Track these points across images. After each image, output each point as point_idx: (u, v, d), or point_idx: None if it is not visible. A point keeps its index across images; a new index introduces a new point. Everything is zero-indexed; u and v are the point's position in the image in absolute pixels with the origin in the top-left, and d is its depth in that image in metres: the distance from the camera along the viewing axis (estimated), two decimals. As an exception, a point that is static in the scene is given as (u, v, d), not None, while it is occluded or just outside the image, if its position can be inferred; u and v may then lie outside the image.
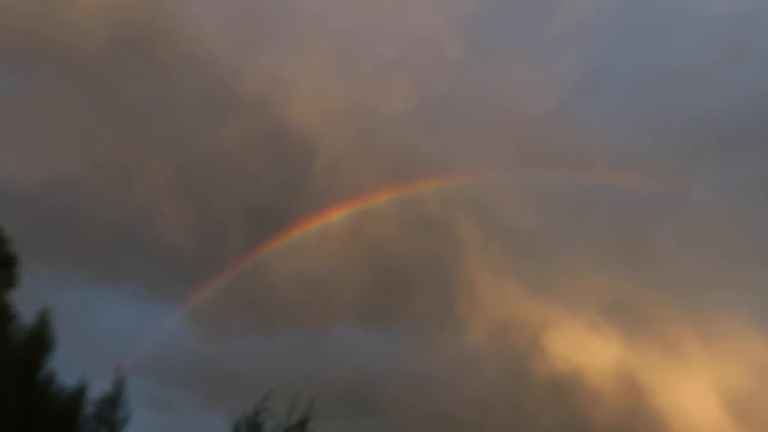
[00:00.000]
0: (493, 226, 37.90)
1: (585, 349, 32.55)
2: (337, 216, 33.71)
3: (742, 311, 32.89)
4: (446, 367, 33.07)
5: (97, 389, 16.23)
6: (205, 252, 33.58)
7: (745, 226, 36.39)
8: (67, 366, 16.50)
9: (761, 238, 35.63)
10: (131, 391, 16.74)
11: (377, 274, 35.86)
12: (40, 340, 15.15)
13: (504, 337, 33.85)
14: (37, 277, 19.28)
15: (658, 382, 30.99)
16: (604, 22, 42.08)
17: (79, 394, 15.86)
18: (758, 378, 31.17)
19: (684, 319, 33.47)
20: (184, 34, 35.02)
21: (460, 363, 33.21)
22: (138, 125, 35.03)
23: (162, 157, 34.54)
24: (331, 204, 33.94)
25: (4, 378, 14.63)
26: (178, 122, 34.91)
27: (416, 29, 39.58)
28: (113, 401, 16.18)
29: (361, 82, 38.28)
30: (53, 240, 30.24)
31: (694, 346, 32.48)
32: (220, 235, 34.17)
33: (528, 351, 32.70)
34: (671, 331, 33.21)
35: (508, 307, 34.65)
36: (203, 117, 35.72)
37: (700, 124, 38.56)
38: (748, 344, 32.01)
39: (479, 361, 33.35)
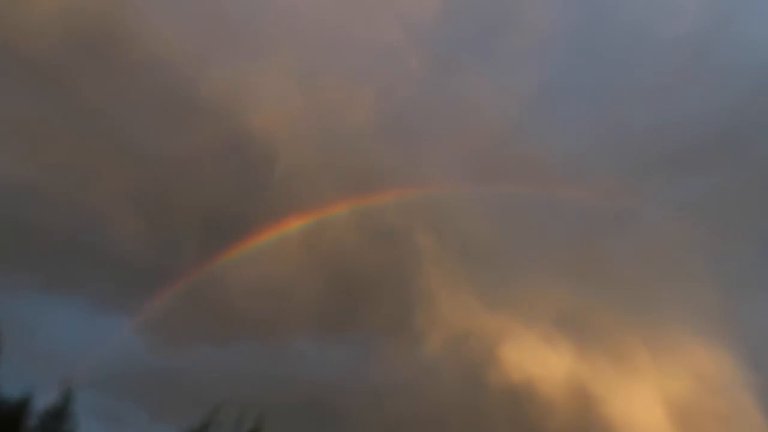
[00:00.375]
0: (451, 238, 38.51)
1: (539, 360, 33.35)
2: (296, 225, 33.72)
3: (688, 325, 34.33)
4: (404, 378, 33.34)
5: (43, 401, 15.82)
6: (160, 261, 33.02)
7: (693, 242, 38.04)
8: (13, 377, 16.06)
9: (707, 254, 37.30)
10: (79, 403, 16.38)
11: (336, 285, 35.94)
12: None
13: (461, 348, 34.37)
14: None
15: (607, 392, 32.03)
16: (562, 39, 43.53)
17: (22, 405, 15.43)
18: (702, 389, 32.57)
19: (633, 331, 34.70)
20: (144, 38, 34.56)
21: (417, 374, 33.53)
22: (93, 130, 34.29)
23: (117, 163, 33.89)
24: (291, 213, 33.93)
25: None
26: (135, 127, 34.33)
27: (379, 41, 40.06)
28: (59, 413, 15.80)
29: (323, 91, 38.46)
30: (1, 246, 29.27)
31: (643, 358, 33.73)
32: (177, 244, 33.69)
33: (484, 362, 33.29)
34: (621, 343, 34.36)
35: (465, 319, 35.22)
36: (162, 123, 35.23)
37: (652, 143, 40.22)
38: (693, 357, 33.41)
39: (436, 372, 33.75)
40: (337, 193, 37.09)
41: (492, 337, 34.08)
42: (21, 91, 34.96)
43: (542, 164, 39.85)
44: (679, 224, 38.85)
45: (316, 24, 38.91)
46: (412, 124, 40.61)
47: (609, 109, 42.80)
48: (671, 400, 32.33)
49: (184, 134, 34.98)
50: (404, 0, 40.21)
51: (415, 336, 34.25)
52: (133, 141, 34.25)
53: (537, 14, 42.53)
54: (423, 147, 40.81)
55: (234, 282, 31.74)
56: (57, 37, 33.77)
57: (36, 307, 32.03)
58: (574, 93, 43.78)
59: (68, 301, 34.31)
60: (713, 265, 37.35)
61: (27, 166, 32.67)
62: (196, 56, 36.36)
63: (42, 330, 31.29)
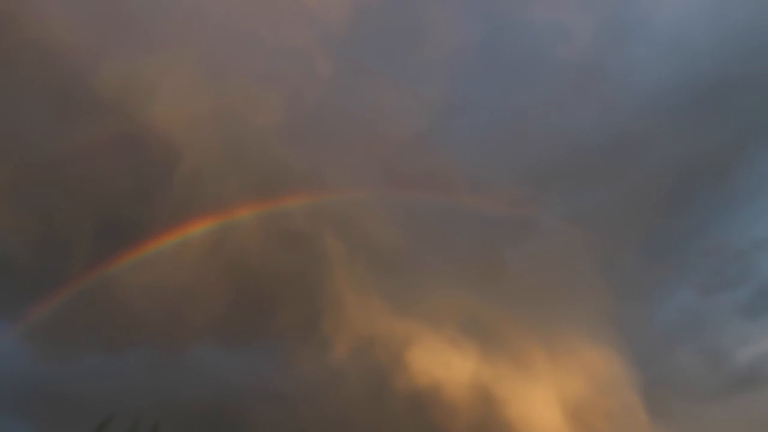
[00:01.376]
0: (358, 243, 38.71)
1: (445, 364, 34.17)
2: (198, 228, 32.47)
3: (581, 329, 36.71)
4: (309, 385, 32.95)
5: None
6: (46, 263, 30.37)
7: (585, 250, 40.82)
8: None
9: (598, 261, 40.17)
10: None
11: (241, 290, 34.91)
12: None
13: (368, 353, 34.51)
14: None
15: (508, 394, 33.43)
16: (469, 54, 45.43)
17: None
18: (594, 388, 34.88)
19: (532, 334, 36.54)
20: (31, 22, 31.92)
21: (323, 380, 33.25)
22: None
23: (-3, 155, 30.90)
24: (193, 215, 32.58)
25: None
26: (19, 115, 31.49)
27: (288, 43, 39.66)
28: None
29: (229, 90, 37.43)
30: None
31: (541, 360, 35.57)
32: (65, 244, 31.13)
33: (391, 367, 33.63)
34: (521, 346, 36.05)
35: (372, 324, 35.43)
36: (49, 112, 32.59)
37: (549, 155, 42.88)
38: (586, 358, 35.73)
39: (343, 378, 33.65)
40: (243, 195, 36.13)
41: (399, 341, 34.56)
42: None
43: (448, 172, 41.21)
44: (573, 233, 41.58)
45: (225, 25, 37.90)
46: (320, 128, 40.51)
47: (510, 121, 45.14)
48: (567, 400, 34.32)
49: (75, 126, 32.60)
50: (315, 6, 40.16)
51: (323, 341, 34.01)
52: (15, 130, 31.41)
53: (445, 28, 44.12)
54: (331, 152, 40.79)
55: (130, 287, 29.88)
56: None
57: None
58: (478, 105, 45.79)
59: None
60: (603, 272, 40.27)
61: None
62: (89, 46, 34.12)
63: None
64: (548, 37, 46.06)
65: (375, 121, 41.63)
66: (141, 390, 27.64)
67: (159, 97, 34.68)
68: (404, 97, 42.23)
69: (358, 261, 38.43)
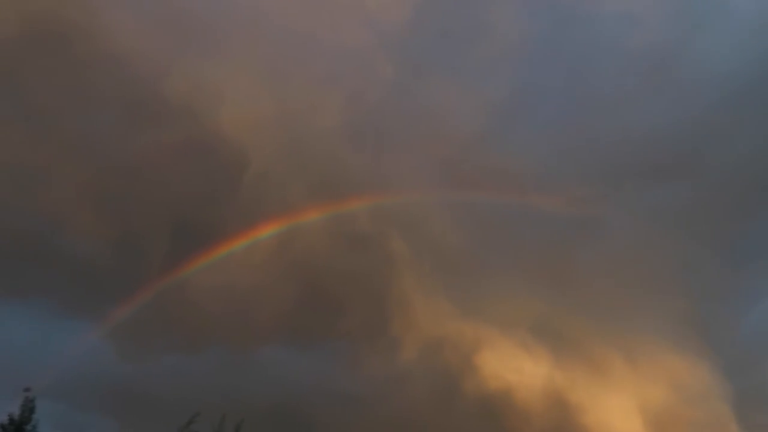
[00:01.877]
0: (424, 245, 38.34)
1: (516, 368, 33.34)
2: (266, 232, 32.94)
3: (662, 334, 34.97)
4: (377, 387, 32.84)
5: (2, 412, 14.70)
6: (125, 265, 31.63)
7: (662, 251, 38.95)
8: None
9: (676, 262, 38.23)
10: (40, 415, 15.27)
11: (308, 292, 35.22)
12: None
13: (436, 355, 34.10)
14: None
15: (585, 400, 32.19)
16: (532, 47, 44.23)
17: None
18: (679, 398, 33.14)
19: (608, 339, 35.12)
20: (105, 32, 33.31)
21: (391, 382, 33.09)
22: (50, 127, 32.74)
23: (77, 162, 32.40)
24: (261, 219, 33.12)
25: None
26: (96, 124, 32.96)
27: (348, 46, 39.83)
28: (19, 426, 14.67)
29: (292, 93, 37.91)
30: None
31: (619, 366, 34.10)
32: (142, 248, 32.31)
33: (460, 370, 33.10)
34: (597, 351, 34.71)
35: (440, 326, 34.99)
36: (124, 120, 33.96)
37: (621, 151, 41.13)
38: (668, 365, 34.01)
39: (411, 381, 33.38)
40: (308, 198, 36.42)
41: (468, 344, 33.97)
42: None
43: (513, 172, 40.26)
44: (647, 232, 39.78)
45: (284, 27, 38.44)
46: (382, 129, 40.42)
47: (578, 116, 43.65)
48: (648, 409, 32.80)
49: (148, 132, 33.81)
50: (374, 5, 40.14)
51: (390, 343, 33.85)
52: (93, 141, 32.87)
53: (507, 22, 43.12)
54: (394, 153, 40.62)
55: (203, 288, 30.67)
56: (10, 28, 32.23)
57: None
58: (543, 101, 44.52)
59: (25, 308, 32.60)
60: (682, 274, 38.30)
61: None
62: (161, 52, 35.30)
63: (1, 337, 29.56)
64: (616, 26, 44.23)
65: (437, 121, 41.17)
66: (215, 389, 28.30)
67: (225, 101, 35.51)
68: (466, 96, 41.59)
69: (424, 262, 38.06)
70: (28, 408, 14.86)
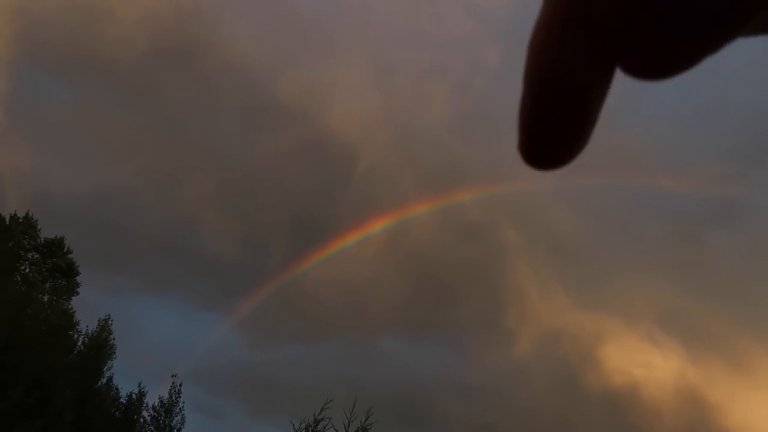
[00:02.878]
0: (537, 233, 37.80)
1: (643, 363, 32.01)
2: (378, 226, 34.08)
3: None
4: (494, 379, 33.03)
5: (150, 395, 16.81)
6: (249, 261, 34.43)
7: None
8: (120, 372, 17.17)
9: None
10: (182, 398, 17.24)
11: (422, 284, 36.10)
12: (101, 348, 15.81)
13: (554, 348, 33.62)
14: (86, 285, 20.19)
15: (724, 399, 30.13)
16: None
17: (136, 400, 16.46)
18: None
19: (748, 332, 32.67)
20: (222, 43, 36.14)
21: (508, 374, 33.11)
22: (180, 135, 36.20)
23: (204, 166, 35.59)
24: (373, 213, 34.38)
25: (64, 385, 15.34)
26: (219, 131, 35.92)
27: (453, 36, 39.91)
28: (169, 408, 16.72)
29: (399, 89, 38.76)
30: (100, 248, 31.45)
31: (763, 362, 31.55)
32: (263, 245, 34.99)
33: (580, 363, 32.39)
34: (736, 345, 32.43)
35: (557, 318, 34.44)
36: (243, 125, 36.69)
37: (760, 126, 37.80)
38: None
39: (528, 373, 33.19)
40: (418, 191, 37.17)
41: (588, 337, 33.12)
42: (111, 100, 37.41)
43: (635, 154, 38.41)
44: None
45: (386, 22, 39.31)
46: (490, 118, 40.17)
47: (709, 90, 40.64)
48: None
49: (265, 135, 36.27)
50: (475, -10, 39.85)
51: (505, 335, 33.85)
52: (217, 144, 35.84)
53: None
54: (503, 141, 40.19)
55: (321, 282, 32.58)
56: (141, 47, 35.92)
57: (135, 307, 34.31)
58: (668, 76, 41.80)
59: (165, 301, 36.47)
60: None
61: (122, 172, 34.97)
62: (273, 58, 37.65)
63: (141, 328, 33.43)
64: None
65: (549, 106, 40.15)
66: (335, 377, 30.04)
67: (335, 100, 37.16)
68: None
69: (539, 252, 37.54)
70: (176, 392, 16.88)
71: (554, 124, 0.26)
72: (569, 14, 0.23)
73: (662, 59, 0.24)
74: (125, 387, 17.18)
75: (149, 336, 32.53)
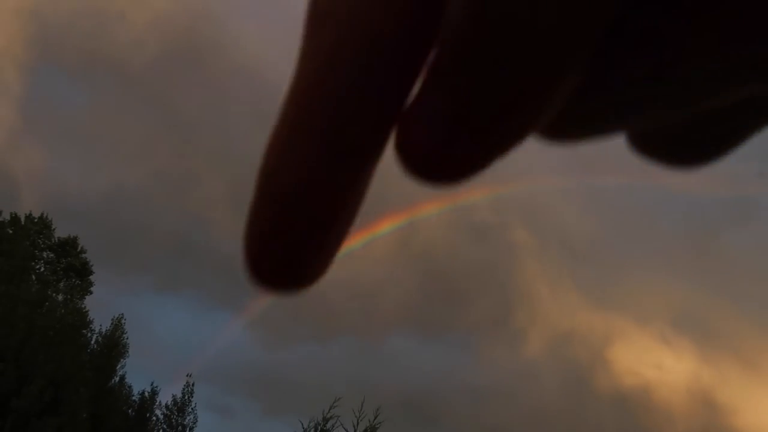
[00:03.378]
0: (548, 233, 37.81)
1: (655, 364, 31.96)
2: (387, 226, 34.19)
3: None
4: (503, 379, 33.09)
5: (162, 394, 17.08)
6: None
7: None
8: (133, 370, 17.46)
9: None
10: (194, 397, 17.50)
11: (431, 284, 36.21)
12: (114, 346, 16.08)
13: (565, 349, 33.64)
14: (99, 284, 20.52)
15: (738, 401, 30.04)
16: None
17: (149, 399, 16.72)
18: None
19: (763, 333, 32.52)
20: (233, 45, 36.49)
21: (517, 375, 33.17)
22: (192, 136, 36.59)
23: (216, 167, 35.93)
24: (381, 213, 34.50)
25: (78, 383, 15.62)
26: (230, 131, 36.28)
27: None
28: (182, 407, 16.97)
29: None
30: (113, 248, 31.88)
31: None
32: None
33: (591, 364, 32.40)
34: (751, 346, 32.27)
35: (568, 318, 34.44)
36: (254, 126, 36.95)
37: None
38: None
39: (538, 374, 33.23)
40: (427, 191, 37.24)
41: (599, 337, 33.12)
42: (124, 102, 37.87)
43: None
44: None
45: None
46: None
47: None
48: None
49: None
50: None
51: (515, 336, 33.90)
52: (228, 146, 36.18)
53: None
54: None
55: (331, 281, 32.68)
56: (153, 49, 36.34)
57: (148, 306, 34.74)
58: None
59: (177, 301, 36.90)
60: None
61: (133, 172, 35.39)
62: (282, 62, 37.87)
63: (156, 327, 33.87)
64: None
65: (561, 103, 40.17)
66: (344, 377, 30.25)
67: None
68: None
69: (550, 251, 37.56)
70: (189, 391, 17.14)
71: (290, 235, 0.19)
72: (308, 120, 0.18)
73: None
74: (137, 385, 17.51)
75: (161, 334, 33.01)
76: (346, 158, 0.19)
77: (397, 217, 34.57)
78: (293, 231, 0.19)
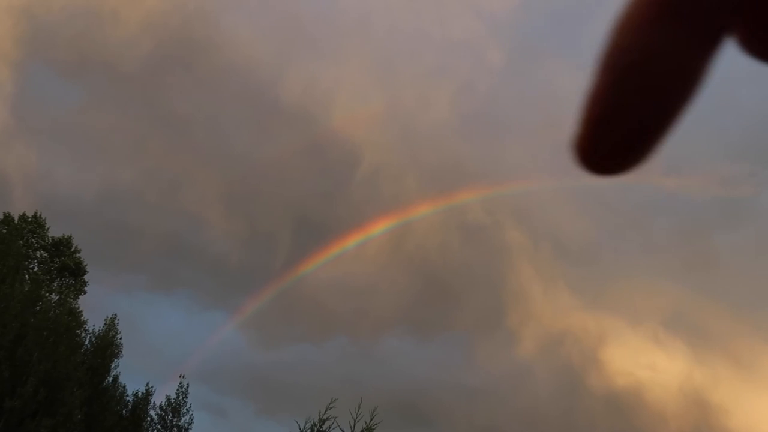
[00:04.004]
0: (542, 233, 38.03)
1: (648, 364, 32.18)
2: (381, 227, 34.34)
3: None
4: (497, 380, 33.25)
5: (156, 394, 17.04)
6: (254, 261, 34.73)
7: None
8: (123, 369, 17.43)
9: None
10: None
11: (425, 284, 36.31)
12: (108, 347, 16.06)
13: (557, 349, 33.83)
14: (93, 284, 20.47)
15: (729, 401, 30.27)
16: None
17: (143, 399, 16.69)
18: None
19: (755, 333, 32.83)
20: (226, 44, 36.45)
21: (511, 375, 33.33)
22: (185, 135, 36.53)
23: (209, 167, 35.91)
24: (375, 214, 34.65)
25: (73, 383, 15.59)
26: (222, 132, 36.25)
27: (457, 36, 40.19)
28: (176, 407, 16.95)
29: (403, 90, 39.02)
30: (107, 248, 31.78)
31: (768, 363, 31.66)
32: (269, 244, 35.28)
33: (584, 364, 32.60)
34: (742, 346, 32.57)
35: (561, 319, 34.65)
36: (246, 126, 36.98)
37: (767, 124, 37.95)
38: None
39: (532, 374, 33.41)
40: (422, 192, 37.43)
41: (592, 338, 33.32)
42: (117, 101, 37.73)
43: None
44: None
45: (393, 26, 39.60)
46: (494, 118, 40.43)
47: (714, 89, 40.72)
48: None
49: (268, 136, 36.57)
50: (479, -7, 40.11)
51: (509, 336, 34.06)
52: (221, 145, 36.15)
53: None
54: (508, 141, 40.50)
55: (323, 283, 32.84)
56: (146, 49, 36.23)
57: (141, 306, 34.67)
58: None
59: (170, 300, 36.83)
60: None
61: (128, 172, 35.30)
62: (275, 59, 37.94)
63: (147, 326, 33.78)
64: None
65: (553, 105, 40.45)
66: (339, 377, 30.32)
67: (339, 101, 37.43)
68: (583, 77, 40.35)
69: (543, 252, 37.76)
70: (183, 392, 17.11)
71: (635, 118, 0.21)
72: None
73: None
74: (130, 385, 17.46)
75: (154, 334, 32.95)
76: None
77: (393, 218, 34.74)
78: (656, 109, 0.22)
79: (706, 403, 30.93)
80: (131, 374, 20.54)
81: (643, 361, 32.51)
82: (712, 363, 32.59)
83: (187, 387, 17.07)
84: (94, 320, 20.64)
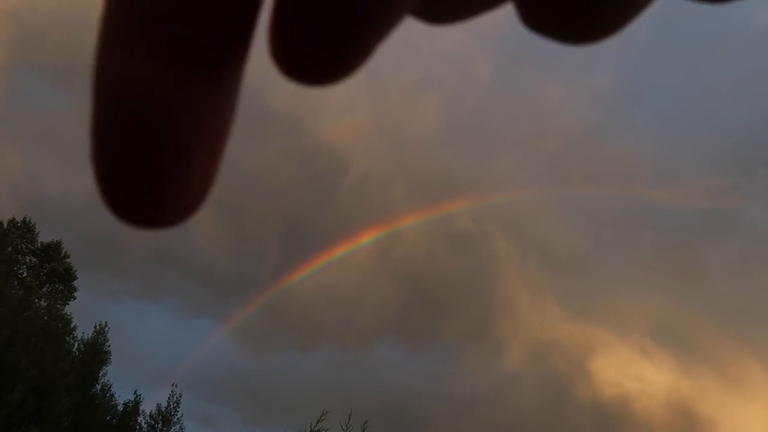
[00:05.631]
0: (529, 244, 38.48)
1: (635, 376, 32.59)
2: (370, 236, 34.54)
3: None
4: (484, 389, 33.48)
5: (144, 402, 17.03)
6: (243, 268, 34.69)
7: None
8: (110, 376, 17.40)
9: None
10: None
11: (413, 294, 36.53)
12: (96, 353, 16.03)
13: (545, 360, 34.18)
14: (81, 290, 20.40)
15: (716, 412, 30.71)
16: (643, 33, 42.85)
17: (132, 408, 16.66)
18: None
19: (742, 344, 33.41)
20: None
21: (498, 385, 33.58)
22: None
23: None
24: (364, 223, 34.86)
25: (60, 391, 15.54)
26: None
27: (445, 48, 40.72)
28: (167, 417, 16.93)
29: (390, 100, 39.42)
30: (95, 254, 31.59)
31: (755, 374, 32.21)
32: (257, 252, 35.28)
33: (571, 375, 32.95)
34: (729, 358, 33.10)
35: (548, 329, 35.03)
36: (235, 133, 36.91)
37: (753, 137, 38.84)
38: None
39: (519, 385, 33.68)
40: (410, 201, 37.73)
41: (580, 348, 33.72)
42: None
43: (628, 164, 39.34)
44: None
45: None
46: (482, 129, 40.96)
47: (700, 102, 41.74)
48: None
49: (256, 144, 36.68)
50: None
51: (496, 346, 34.35)
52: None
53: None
54: (496, 153, 41.01)
55: (312, 291, 32.92)
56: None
57: (128, 313, 34.47)
58: (658, 88, 43.00)
59: (158, 308, 36.66)
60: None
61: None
62: (262, 68, 38.04)
63: (134, 334, 33.58)
64: (738, 5, 41.78)
65: (540, 118, 41.13)
66: (327, 386, 30.34)
67: (327, 110, 37.69)
68: (571, 89, 41.16)
69: (530, 263, 38.20)
70: (175, 401, 17.09)
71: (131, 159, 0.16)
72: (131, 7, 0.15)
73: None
74: (118, 392, 17.43)
75: (142, 341, 32.76)
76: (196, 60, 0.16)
77: (381, 227, 34.98)
78: (145, 144, 0.16)
79: (693, 414, 31.40)
80: (118, 381, 20.49)
81: (631, 372, 32.96)
82: (699, 374, 33.12)
83: (180, 397, 17.06)
84: (83, 327, 20.57)
